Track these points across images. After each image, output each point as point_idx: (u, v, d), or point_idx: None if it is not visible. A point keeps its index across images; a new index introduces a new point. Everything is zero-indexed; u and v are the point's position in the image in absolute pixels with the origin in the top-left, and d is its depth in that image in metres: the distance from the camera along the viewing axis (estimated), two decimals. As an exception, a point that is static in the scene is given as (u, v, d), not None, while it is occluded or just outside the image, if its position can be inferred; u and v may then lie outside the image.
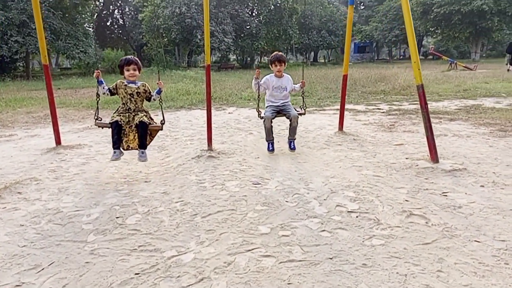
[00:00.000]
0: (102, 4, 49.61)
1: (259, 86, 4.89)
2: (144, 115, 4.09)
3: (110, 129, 4.01)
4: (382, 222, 2.77)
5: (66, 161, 4.76)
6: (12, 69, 28.32)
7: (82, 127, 7.27)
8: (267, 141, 4.92)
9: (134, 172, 4.31)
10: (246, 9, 39.42)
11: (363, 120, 7.24)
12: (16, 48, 25.22)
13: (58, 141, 5.47)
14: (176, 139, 6.01)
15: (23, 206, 3.21)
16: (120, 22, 53.98)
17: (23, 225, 2.82)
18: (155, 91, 4.20)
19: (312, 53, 57.66)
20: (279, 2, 38.85)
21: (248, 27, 38.68)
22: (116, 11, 53.56)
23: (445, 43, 47.52)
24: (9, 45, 24.83)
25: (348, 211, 2.97)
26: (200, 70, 33.41)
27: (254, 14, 41.99)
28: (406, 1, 4.04)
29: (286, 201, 3.21)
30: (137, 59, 4.09)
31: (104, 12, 51.52)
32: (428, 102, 9.51)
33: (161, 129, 4.19)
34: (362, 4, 63.47)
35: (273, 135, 4.93)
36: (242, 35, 38.47)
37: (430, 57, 54.39)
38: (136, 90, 4.06)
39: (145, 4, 37.96)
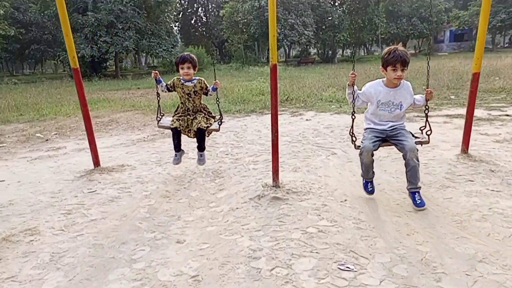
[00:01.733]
0: (187, 3, 50.95)
1: (354, 97, 3.17)
2: (203, 117, 4.00)
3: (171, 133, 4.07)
4: None
5: (95, 193, 3.73)
6: (102, 68, 29.84)
7: (137, 138, 6.36)
8: (364, 178, 3.26)
9: (170, 217, 3.11)
10: (328, -1, 37.10)
11: (492, 134, 5.25)
12: (105, 48, 26.39)
13: (96, 162, 4.52)
14: (237, 160, 4.73)
15: (-17, 292, 2.14)
16: (203, 19, 55.07)
17: None
18: (211, 87, 4.00)
19: (401, 43, 52.95)
20: (365, -12, 35.87)
21: (330, 18, 36.32)
22: (200, 9, 54.68)
23: None
24: (98, 45, 26.06)
25: None
26: (279, 65, 32.15)
27: (336, 3, 39.46)
28: None
29: (406, 329, 1.69)
30: (193, 56, 3.93)
31: (189, 10, 52.92)
32: None
33: (218, 130, 4.07)
34: (460, -14, 56.69)
35: (374, 170, 3.19)
36: (323, 27, 36.26)
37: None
38: (193, 89, 3.96)
39: (226, 0, 37.78)
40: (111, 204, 3.45)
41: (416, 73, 15.21)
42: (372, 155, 3.08)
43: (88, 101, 11.89)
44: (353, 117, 3.28)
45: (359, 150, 3.11)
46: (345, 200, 3.24)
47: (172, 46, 31.57)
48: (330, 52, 42.64)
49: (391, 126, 3.12)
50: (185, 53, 3.97)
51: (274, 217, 2.93)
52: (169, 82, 4.01)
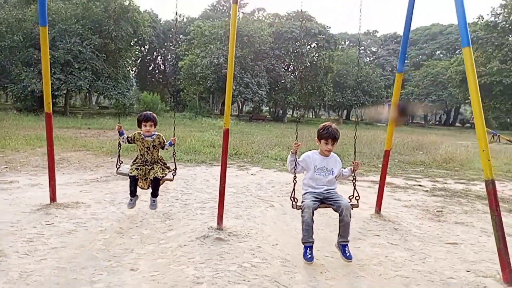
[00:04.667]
0: (147, 50, 52.13)
1: (296, 165, 3.62)
2: (159, 167, 4.51)
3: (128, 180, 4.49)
4: None
5: (52, 226, 4.07)
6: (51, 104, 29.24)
7: (90, 179, 6.68)
8: (303, 243, 3.38)
9: (125, 250, 3.55)
10: (282, 64, 40.03)
11: (404, 200, 6.26)
12: (57, 85, 26.15)
13: (53, 198, 4.85)
14: (186, 205, 5.26)
15: (-39, 300, 2.48)
16: (161, 67, 56.26)
17: None
18: (168, 142, 4.54)
19: (345, 111, 57.37)
20: (316, 60, 39.28)
21: (282, 81, 39.06)
22: (159, 57, 56.03)
23: (485, 113, 45.93)
24: (51, 81, 25.79)
25: None
26: (231, 120, 33.41)
27: (289, 69, 42.59)
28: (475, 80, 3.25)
29: (307, 334, 2.31)
30: (154, 115, 4.52)
31: (148, 57, 54.01)
32: (474, 182, 8.48)
33: (172, 180, 4.59)
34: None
35: (313, 235, 3.40)
36: (276, 88, 38.77)
37: (468, 125, 52.80)
38: (152, 144, 4.49)
39: (186, 53, 39.41)
40: (68, 236, 3.82)
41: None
42: (313, 213, 3.36)
43: (37, 137, 11.90)
44: (295, 181, 3.67)
45: (301, 209, 3.41)
46: (276, 244, 3.89)
47: (127, 89, 31.93)
48: (281, 111, 45.15)
49: (326, 190, 3.56)
50: (148, 112, 4.53)
51: (216, 254, 3.50)
52: (130, 135, 4.50)
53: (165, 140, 4.56)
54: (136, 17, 30.72)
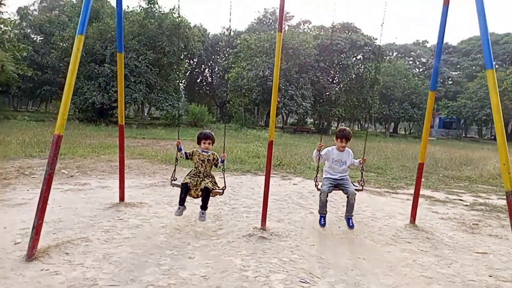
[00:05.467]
0: (195, 63, 54.44)
1: (319, 157, 5.01)
2: (210, 180, 4.80)
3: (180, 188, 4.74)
4: None
5: (123, 220, 4.82)
6: (109, 115, 31.51)
7: (149, 183, 7.51)
8: (319, 213, 4.90)
9: (182, 243, 4.19)
10: (327, 77, 40.19)
11: (441, 213, 6.46)
12: (115, 97, 28.23)
13: (121, 198, 5.64)
14: (233, 209, 5.86)
15: (64, 270, 3.19)
16: (208, 80, 58.39)
17: (56, 296, 2.76)
18: (220, 160, 4.91)
19: (392, 124, 56.08)
20: (361, 72, 39.09)
21: (327, 93, 39.19)
22: (206, 70, 58.25)
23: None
24: (109, 94, 27.94)
25: None
26: (276, 131, 34.05)
27: (334, 81, 42.64)
28: (495, 87, 3.58)
29: (334, 314, 2.77)
30: (213, 134, 5.00)
31: (196, 70, 56.32)
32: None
33: (221, 194, 4.85)
34: (450, 79, 61.43)
35: (327, 209, 4.93)
36: (321, 100, 38.97)
37: (527, 140, 49.64)
38: (207, 158, 4.90)
39: (232, 66, 40.82)
40: (137, 229, 4.54)
41: (399, 154, 16.75)
42: (327, 195, 4.84)
43: (100, 145, 13.11)
44: (318, 168, 5.16)
45: (319, 191, 4.86)
46: (313, 245, 4.36)
47: (177, 101, 33.67)
48: (325, 123, 45.13)
49: (340, 176, 4.96)
50: (207, 131, 4.96)
51: (260, 249, 4.04)
52: (188, 151, 4.91)
53: (218, 158, 4.86)
54: (187, 32, 32.49)
